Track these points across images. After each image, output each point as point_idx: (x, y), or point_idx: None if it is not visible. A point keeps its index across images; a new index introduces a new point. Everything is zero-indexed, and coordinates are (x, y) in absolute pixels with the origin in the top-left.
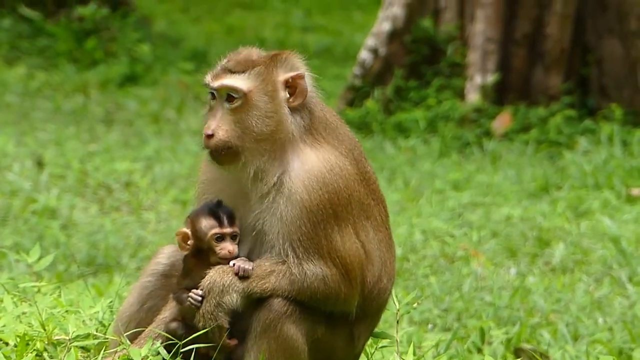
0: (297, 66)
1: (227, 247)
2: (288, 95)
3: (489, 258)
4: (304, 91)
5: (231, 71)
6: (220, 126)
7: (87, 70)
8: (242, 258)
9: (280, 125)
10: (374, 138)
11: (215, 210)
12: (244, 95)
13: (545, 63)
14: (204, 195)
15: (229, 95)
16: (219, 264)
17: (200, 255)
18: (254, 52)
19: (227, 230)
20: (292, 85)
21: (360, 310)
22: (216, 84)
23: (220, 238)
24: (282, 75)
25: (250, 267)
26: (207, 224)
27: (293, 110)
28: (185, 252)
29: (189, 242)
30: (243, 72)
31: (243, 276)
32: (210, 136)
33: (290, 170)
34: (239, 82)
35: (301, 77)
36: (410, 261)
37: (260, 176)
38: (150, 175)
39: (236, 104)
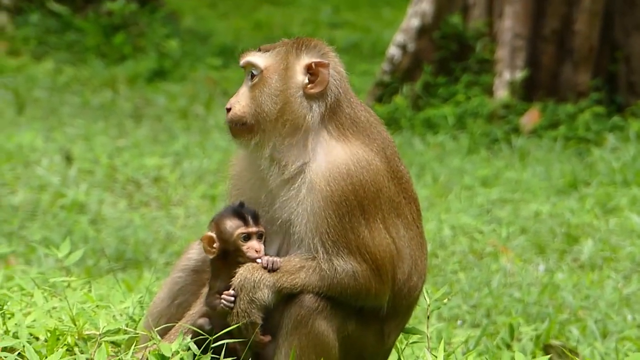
0: (326, 55)
1: (254, 245)
2: (307, 81)
3: (518, 254)
4: (325, 81)
5: (259, 50)
6: (238, 101)
7: (115, 65)
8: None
9: (288, 107)
10: (403, 134)
11: (239, 210)
12: (261, 72)
13: (574, 59)
14: (233, 189)
15: (251, 72)
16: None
17: (227, 258)
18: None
19: (253, 229)
20: (314, 73)
21: (391, 307)
22: (242, 61)
23: (247, 237)
24: (305, 60)
25: (279, 261)
26: (232, 224)
27: (310, 97)
28: (212, 256)
29: (214, 246)
30: (267, 50)
31: (272, 269)
32: (229, 110)
33: (313, 160)
34: (259, 59)
35: (324, 65)
36: (439, 257)
37: (279, 161)
38: (179, 171)
39: (255, 80)
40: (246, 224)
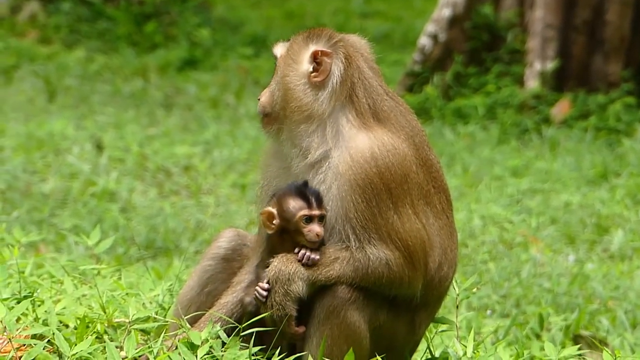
0: (335, 45)
1: (315, 229)
2: (311, 70)
3: (548, 244)
4: (326, 70)
5: (287, 41)
6: (265, 92)
7: (146, 54)
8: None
9: (291, 94)
10: (433, 124)
11: (303, 190)
12: (276, 62)
13: (605, 50)
14: (262, 179)
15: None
16: (304, 244)
17: (284, 235)
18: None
19: (316, 212)
20: (319, 62)
21: (422, 297)
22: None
23: (309, 220)
24: (312, 48)
25: (317, 257)
26: (295, 204)
27: (314, 85)
28: (270, 232)
29: (274, 222)
30: (288, 41)
31: (309, 265)
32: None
33: (335, 147)
34: (278, 49)
35: (327, 54)
36: (469, 247)
37: (300, 148)
38: (209, 160)
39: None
40: (310, 206)
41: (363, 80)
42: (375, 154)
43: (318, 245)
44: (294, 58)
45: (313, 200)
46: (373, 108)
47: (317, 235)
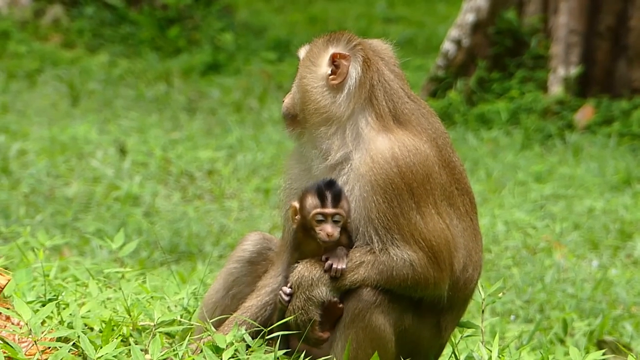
0: (353, 48)
1: (326, 229)
2: (329, 72)
3: (571, 250)
4: (344, 73)
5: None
6: (290, 94)
7: (169, 58)
8: (340, 249)
9: (310, 96)
10: (457, 129)
11: (322, 188)
12: (299, 64)
13: (629, 56)
14: (285, 181)
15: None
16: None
17: (307, 231)
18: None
19: (329, 210)
20: (337, 64)
21: (448, 300)
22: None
23: (322, 219)
24: (330, 51)
25: (344, 267)
26: (311, 202)
27: (332, 88)
28: (294, 226)
29: (296, 217)
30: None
31: (335, 277)
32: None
33: (356, 149)
34: (301, 51)
35: (345, 57)
36: (492, 252)
37: (320, 149)
38: (233, 164)
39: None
40: (323, 204)
41: (383, 82)
42: (395, 154)
43: (335, 246)
44: (313, 61)
45: (329, 199)
46: (393, 111)
47: (328, 235)
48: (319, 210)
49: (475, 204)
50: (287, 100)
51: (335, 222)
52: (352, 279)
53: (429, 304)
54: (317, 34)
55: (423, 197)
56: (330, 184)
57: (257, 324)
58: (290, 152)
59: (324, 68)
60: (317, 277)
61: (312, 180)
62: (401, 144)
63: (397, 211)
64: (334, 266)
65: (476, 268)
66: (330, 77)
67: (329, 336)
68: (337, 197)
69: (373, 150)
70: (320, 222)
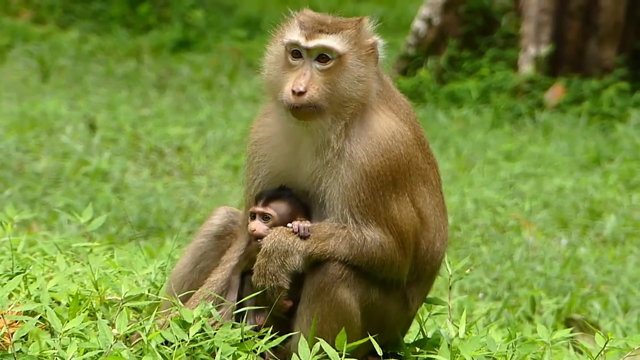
0: (370, 33)
1: (252, 224)
2: (374, 61)
3: (540, 228)
4: (378, 57)
5: (325, 32)
6: (312, 85)
7: (140, 35)
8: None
9: (369, 90)
10: (427, 107)
11: (265, 190)
12: (338, 57)
13: (599, 35)
14: (255, 155)
15: (322, 55)
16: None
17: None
18: (333, 16)
19: (258, 209)
20: (374, 52)
21: (414, 273)
22: (312, 44)
23: (252, 216)
24: (368, 40)
25: (309, 225)
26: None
27: (375, 75)
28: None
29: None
30: (335, 33)
31: (303, 236)
32: (301, 93)
33: (352, 135)
34: (335, 43)
35: (377, 43)
36: (461, 230)
37: (328, 140)
38: (203, 141)
39: (329, 65)
40: (256, 203)
41: (380, 72)
42: (388, 146)
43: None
44: (359, 53)
45: (263, 198)
46: (387, 88)
47: (251, 230)
48: (252, 208)
49: (440, 175)
50: (319, 92)
51: (265, 220)
52: (322, 249)
53: (392, 280)
54: (288, 12)
55: (402, 186)
56: (281, 188)
57: (223, 298)
58: (260, 124)
59: (371, 58)
60: (291, 244)
61: (297, 163)
62: (391, 133)
63: (379, 200)
64: (301, 225)
65: (444, 242)
66: (374, 65)
67: (292, 305)
68: (272, 198)
69: (369, 138)
70: (251, 218)
